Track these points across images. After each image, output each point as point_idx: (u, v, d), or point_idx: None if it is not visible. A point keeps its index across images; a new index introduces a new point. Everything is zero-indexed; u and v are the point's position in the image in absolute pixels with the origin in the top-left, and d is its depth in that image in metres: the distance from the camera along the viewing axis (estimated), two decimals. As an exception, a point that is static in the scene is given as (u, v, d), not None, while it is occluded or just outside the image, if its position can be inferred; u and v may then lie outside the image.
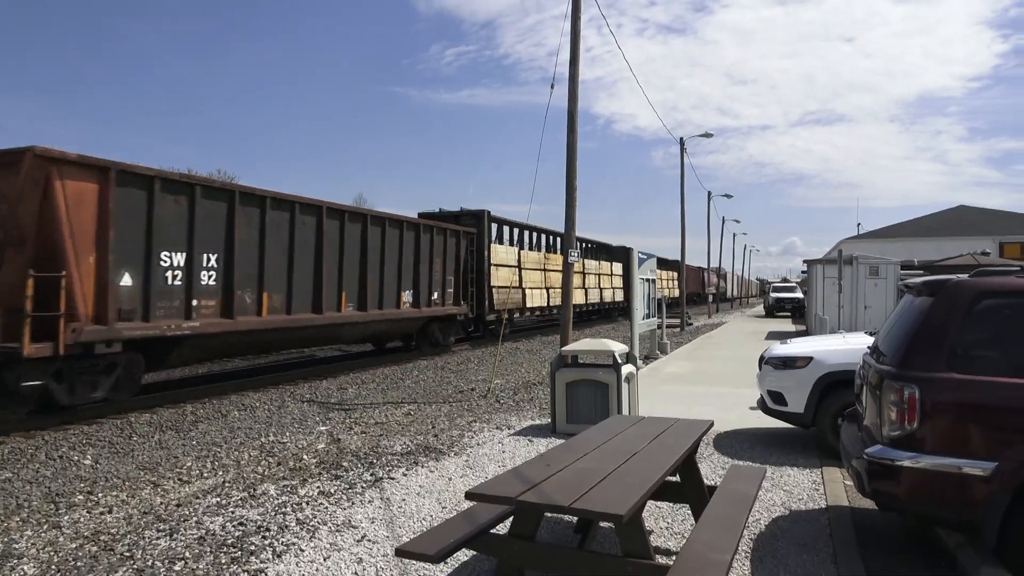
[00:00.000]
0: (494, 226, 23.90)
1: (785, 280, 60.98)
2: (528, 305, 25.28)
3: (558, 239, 29.17)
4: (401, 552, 3.24)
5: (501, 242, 24.32)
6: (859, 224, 64.56)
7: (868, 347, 5.33)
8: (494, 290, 21.96)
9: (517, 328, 28.02)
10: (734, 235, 71.30)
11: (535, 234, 28.41)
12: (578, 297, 29.00)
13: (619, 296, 37.45)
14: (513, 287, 23.84)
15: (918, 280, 4.75)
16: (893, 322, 4.87)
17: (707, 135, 32.09)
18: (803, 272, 34.06)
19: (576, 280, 27.82)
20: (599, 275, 33.79)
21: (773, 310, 41.09)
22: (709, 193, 44.85)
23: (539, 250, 28.17)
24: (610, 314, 37.48)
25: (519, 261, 24.79)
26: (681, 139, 31.45)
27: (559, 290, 26.26)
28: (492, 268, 22.00)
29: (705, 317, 41.26)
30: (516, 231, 26.21)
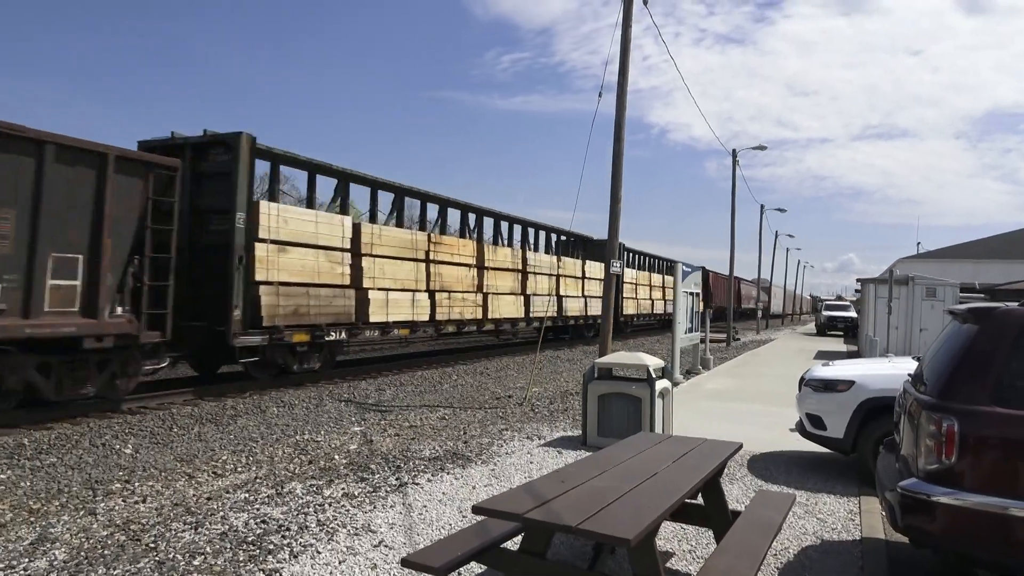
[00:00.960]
0: (264, 166, 13.86)
1: (839, 298, 59.25)
2: (377, 318, 14.84)
3: (457, 213, 20.12)
4: (407, 562, 3.22)
5: (308, 202, 14.75)
6: (919, 243, 62.20)
7: (909, 374, 5.11)
8: (265, 288, 12.02)
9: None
10: (787, 250, 69.32)
11: (421, 205, 18.54)
12: (505, 308, 20.42)
13: (596, 308, 25.91)
14: (334, 285, 13.80)
15: (963, 307, 4.53)
16: (936, 349, 4.66)
17: (760, 148, 31.47)
18: (857, 291, 33.02)
19: (503, 280, 20.43)
20: (560, 277, 23.61)
21: (825, 328, 40.01)
22: (762, 207, 43.97)
23: (427, 229, 18.16)
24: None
25: (357, 242, 14.47)
26: (734, 151, 30.90)
27: (454, 295, 17.76)
28: (263, 246, 12.05)
29: (753, 333, 40.39)
30: (378, 195, 16.49)
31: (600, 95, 12.66)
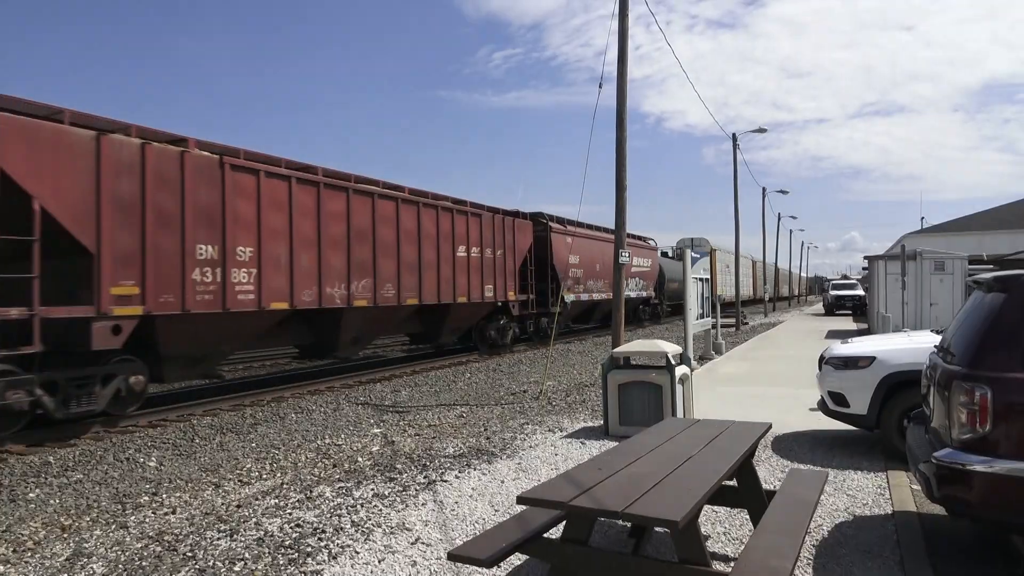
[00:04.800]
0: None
1: (845, 277, 59.14)
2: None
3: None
4: (453, 556, 3.23)
5: None
6: (923, 218, 61.99)
7: (935, 346, 5.11)
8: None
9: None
10: (791, 231, 69.36)
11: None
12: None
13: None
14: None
15: (989, 276, 4.53)
16: (962, 320, 4.65)
17: (760, 130, 31.35)
18: (863, 269, 32.91)
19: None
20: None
21: (833, 308, 39.98)
22: (764, 189, 43.89)
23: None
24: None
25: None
26: (734, 135, 30.83)
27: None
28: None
29: (761, 316, 40.37)
30: None
31: (600, 86, 12.60)
